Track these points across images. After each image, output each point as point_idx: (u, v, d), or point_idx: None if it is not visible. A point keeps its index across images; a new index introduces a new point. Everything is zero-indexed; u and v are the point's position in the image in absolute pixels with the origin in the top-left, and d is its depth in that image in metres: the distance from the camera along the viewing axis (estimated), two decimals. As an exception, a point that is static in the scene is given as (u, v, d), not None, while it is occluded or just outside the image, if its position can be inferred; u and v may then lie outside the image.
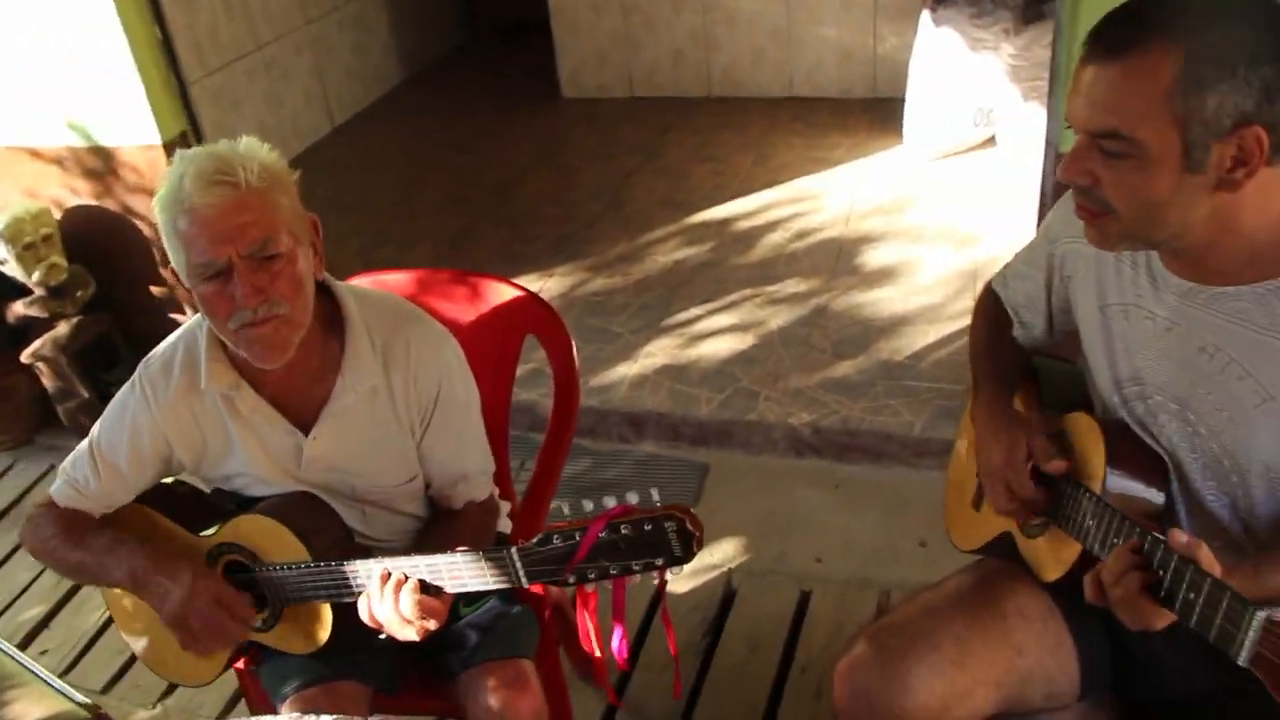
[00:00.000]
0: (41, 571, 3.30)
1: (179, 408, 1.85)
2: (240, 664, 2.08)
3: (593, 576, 1.55)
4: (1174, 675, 1.70)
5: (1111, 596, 1.43)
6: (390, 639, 1.91)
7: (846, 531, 3.17)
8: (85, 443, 1.92)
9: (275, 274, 1.66)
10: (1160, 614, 1.39)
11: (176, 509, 1.96)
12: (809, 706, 2.62)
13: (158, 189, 3.62)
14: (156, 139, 3.58)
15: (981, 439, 1.81)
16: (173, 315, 3.95)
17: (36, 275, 3.68)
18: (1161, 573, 1.37)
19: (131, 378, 1.90)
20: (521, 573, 1.60)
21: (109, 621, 3.11)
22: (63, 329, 3.81)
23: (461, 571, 1.66)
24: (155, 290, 3.92)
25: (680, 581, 2.94)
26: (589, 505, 1.59)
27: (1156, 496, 1.62)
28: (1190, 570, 1.33)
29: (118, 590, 1.95)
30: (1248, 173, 1.35)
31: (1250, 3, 1.34)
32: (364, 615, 1.72)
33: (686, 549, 1.51)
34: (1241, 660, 1.24)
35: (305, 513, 1.85)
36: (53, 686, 2.12)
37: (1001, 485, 1.73)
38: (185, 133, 3.66)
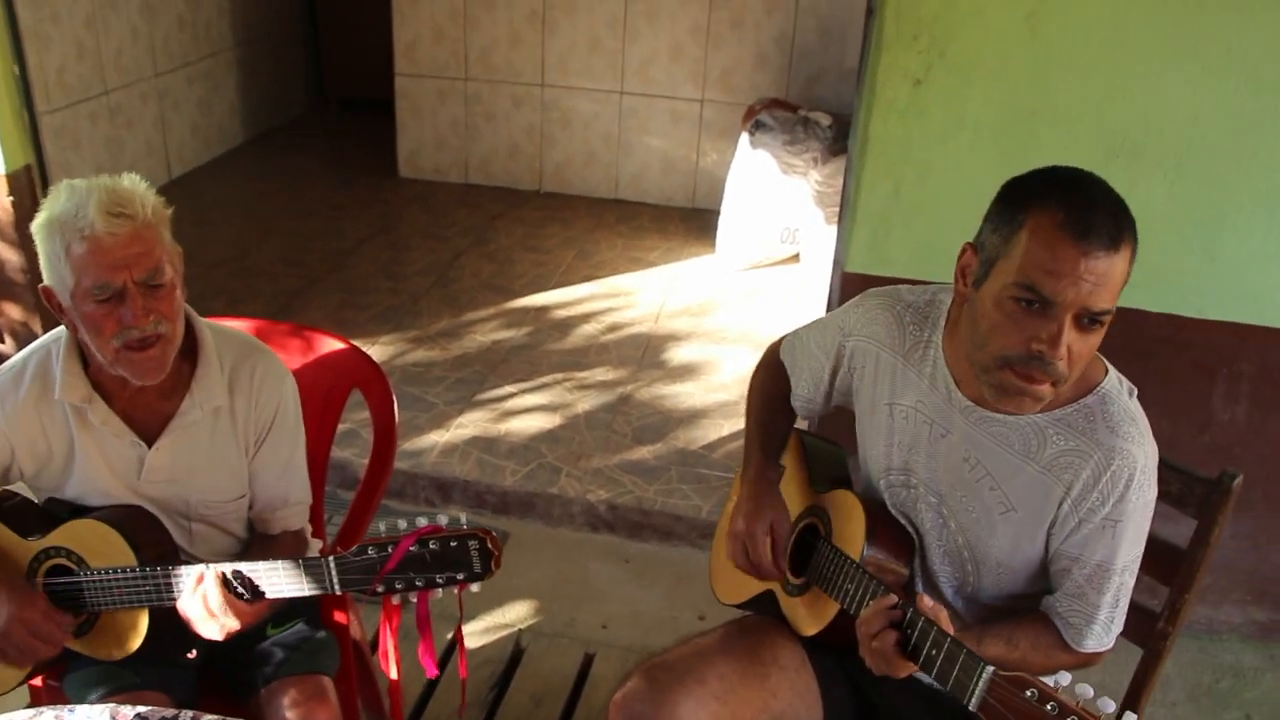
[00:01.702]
0: None
1: (27, 416, 1.96)
2: (39, 681, 2.14)
3: (399, 587, 1.73)
4: (904, 722, 1.97)
5: (868, 649, 1.69)
6: (197, 657, 2.05)
7: (633, 602, 3.39)
8: None
9: (160, 298, 1.85)
10: (905, 665, 1.66)
11: (6, 513, 2.04)
12: (585, 761, 2.81)
13: None
14: (0, 169, 3.62)
15: (740, 503, 2.07)
16: (-16, 345, 3.95)
17: None
18: (910, 631, 1.64)
19: None
20: (335, 580, 1.77)
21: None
22: None
23: (279, 577, 1.82)
24: (-28, 318, 3.91)
25: (473, 637, 3.10)
26: (403, 524, 1.77)
27: (903, 569, 1.91)
28: (934, 630, 1.61)
29: None
30: None
31: None
32: (181, 611, 1.85)
33: (486, 566, 1.71)
34: (972, 706, 1.51)
35: (137, 523, 1.97)
36: None
37: (740, 547, 2.02)
38: (30, 165, 3.72)
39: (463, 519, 1.76)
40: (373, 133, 7.31)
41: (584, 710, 2.96)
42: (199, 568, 1.84)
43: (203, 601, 1.82)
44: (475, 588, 1.74)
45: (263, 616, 1.93)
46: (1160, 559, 1.96)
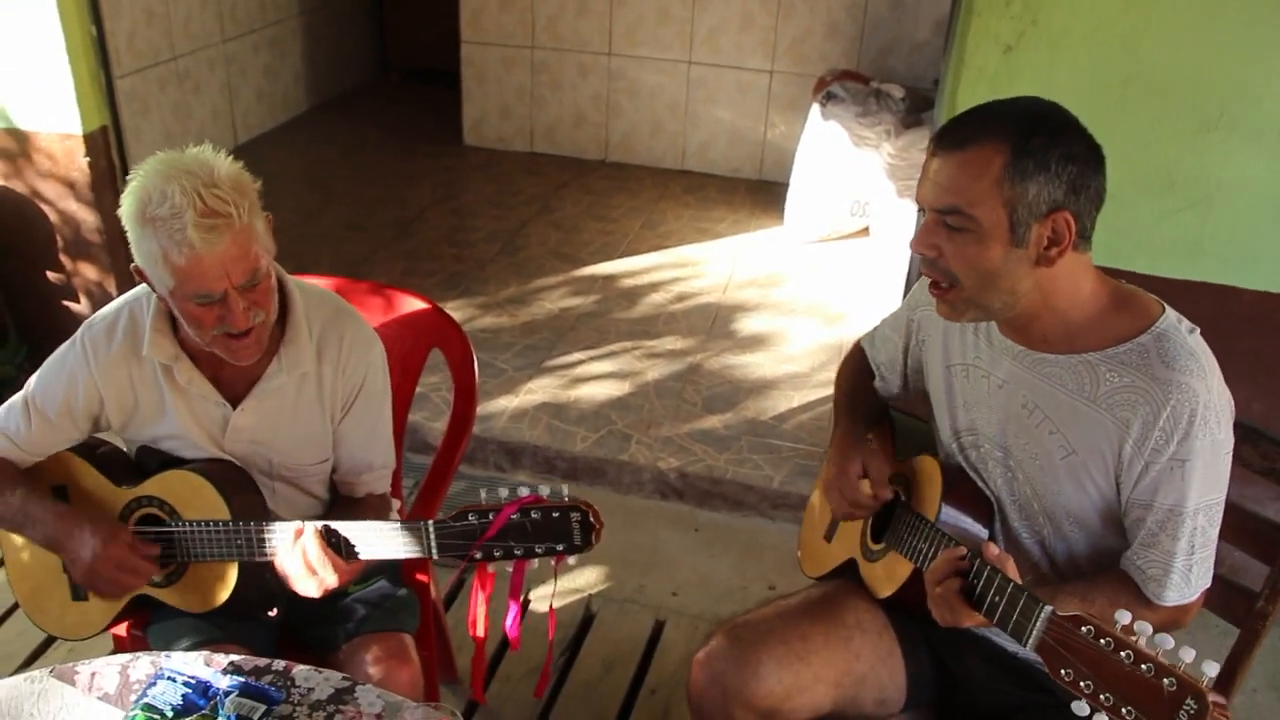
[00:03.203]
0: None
1: (117, 370, 1.97)
2: (123, 630, 2.16)
3: (497, 555, 1.72)
4: (985, 692, 1.95)
5: (932, 594, 1.68)
6: (279, 614, 2.06)
7: (703, 571, 3.38)
8: (19, 395, 2.02)
9: (260, 292, 1.84)
10: (970, 614, 1.64)
11: (101, 461, 2.07)
12: (656, 726, 2.79)
13: (72, 177, 3.69)
14: (78, 129, 3.66)
15: (830, 461, 2.06)
16: (66, 303, 4.00)
17: (-66, 248, 3.71)
18: (975, 581, 1.63)
19: (73, 336, 2.01)
20: (434, 545, 1.76)
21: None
22: (-48, 305, 3.83)
23: (376, 538, 1.82)
24: (52, 276, 3.95)
25: (543, 602, 3.10)
26: (504, 492, 1.75)
27: (982, 531, 1.88)
28: (999, 577, 1.59)
29: (18, 539, 2.05)
30: (1060, 251, 1.65)
31: (1064, 117, 1.66)
32: (278, 569, 1.86)
33: (586, 539, 1.70)
34: (1030, 647, 1.49)
35: (231, 478, 1.98)
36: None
37: (835, 493, 2.00)
38: (106, 127, 3.75)
39: (564, 490, 1.73)
40: (435, 102, 7.31)
41: (654, 676, 2.96)
42: (296, 523, 1.85)
43: (302, 556, 1.82)
44: (573, 560, 1.73)
45: (355, 576, 1.92)
46: (1262, 536, 1.92)
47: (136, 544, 1.94)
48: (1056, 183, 1.61)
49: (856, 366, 2.25)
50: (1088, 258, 1.71)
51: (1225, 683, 1.98)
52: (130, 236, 1.80)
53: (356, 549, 1.84)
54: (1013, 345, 1.80)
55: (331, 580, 1.83)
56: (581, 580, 3.28)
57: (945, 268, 1.69)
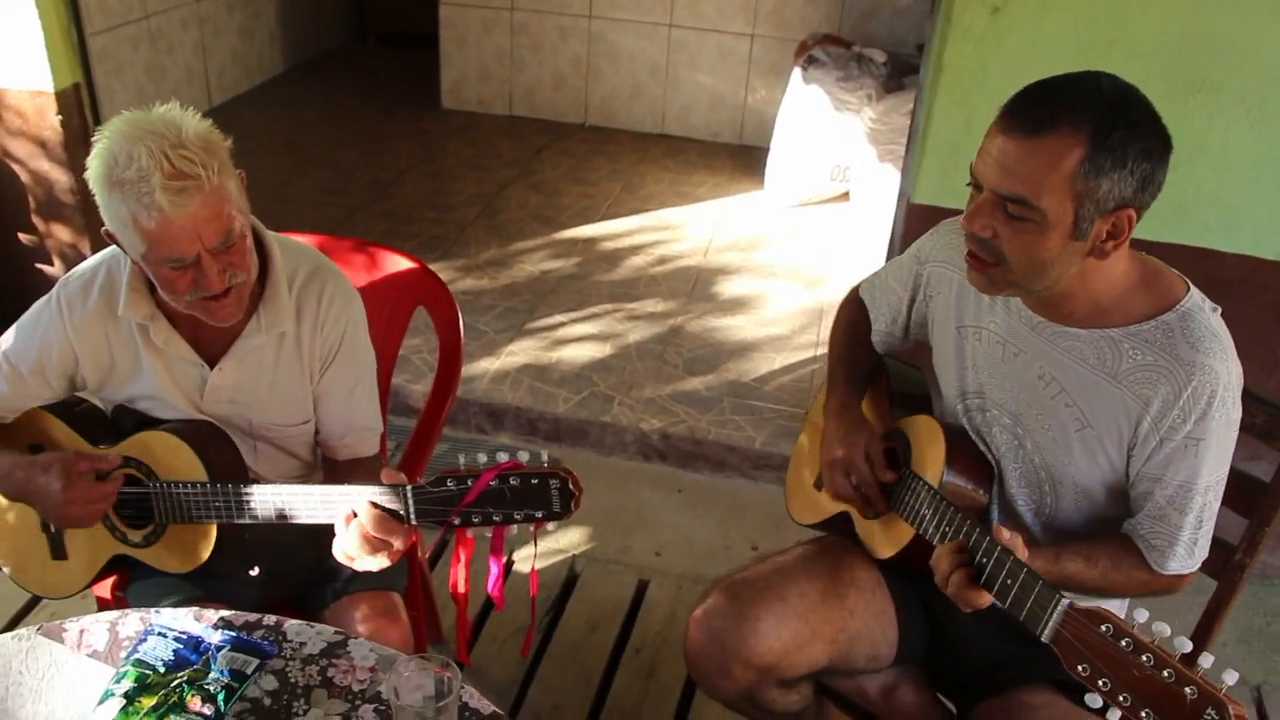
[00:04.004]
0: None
1: (93, 328, 1.94)
2: (107, 591, 2.16)
3: (476, 521, 1.67)
4: (975, 648, 1.96)
5: (945, 592, 1.68)
6: (262, 575, 2.04)
7: (686, 531, 3.39)
8: None
9: (234, 253, 1.79)
10: (982, 596, 1.63)
11: (78, 420, 2.04)
12: (640, 685, 2.81)
13: (44, 136, 3.63)
14: (49, 86, 3.60)
15: (828, 436, 2.05)
16: (40, 265, 3.95)
17: (-95, 210, 3.66)
18: (985, 560, 1.62)
19: (49, 293, 1.98)
20: (412, 510, 1.71)
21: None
22: (-78, 265, 3.78)
23: (355, 502, 1.77)
24: (24, 238, 3.91)
25: (525, 563, 3.10)
26: (483, 457, 1.72)
27: (982, 496, 1.88)
28: (1010, 560, 1.59)
29: (2, 501, 2.03)
30: (1116, 245, 1.62)
31: (1144, 107, 1.58)
32: (339, 555, 1.78)
33: (565, 506, 1.66)
34: (1045, 637, 1.49)
35: (208, 438, 1.95)
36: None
37: (842, 475, 1.97)
38: (78, 85, 3.70)
39: (544, 456, 1.69)
40: (413, 66, 7.26)
41: (639, 635, 2.97)
42: (269, 490, 1.82)
43: (360, 533, 1.74)
44: (552, 527, 1.69)
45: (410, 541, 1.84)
46: (1243, 491, 1.93)
47: (95, 468, 1.90)
48: (1129, 180, 1.56)
49: (852, 322, 2.21)
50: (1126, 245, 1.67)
51: (1202, 635, 2.00)
52: (99, 200, 1.75)
53: (336, 518, 1.78)
54: (1032, 316, 1.78)
55: (398, 544, 1.75)
56: (565, 541, 3.29)
57: (996, 248, 1.64)
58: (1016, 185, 1.58)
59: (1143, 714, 1.35)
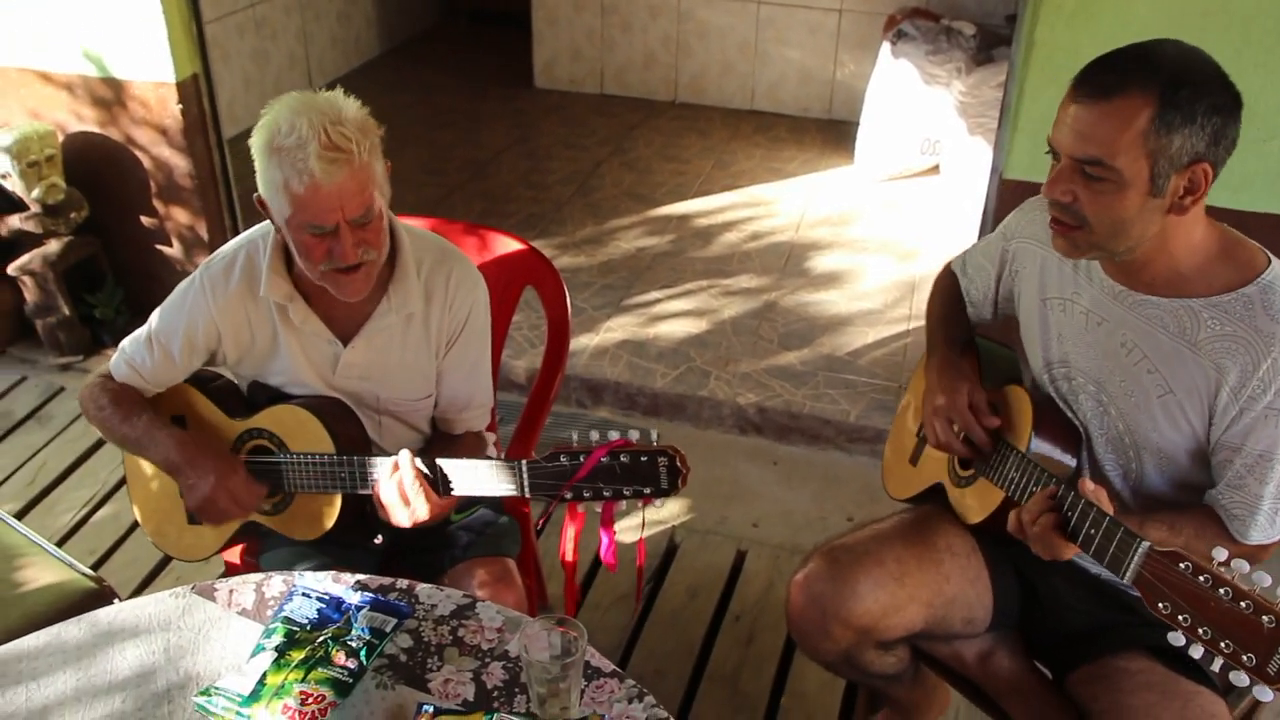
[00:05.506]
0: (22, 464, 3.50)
1: (235, 308, 2.08)
2: (236, 557, 2.30)
3: (587, 495, 1.77)
4: (1069, 612, 2.01)
5: (1029, 532, 1.75)
6: (385, 543, 2.16)
7: (782, 503, 3.47)
8: (144, 329, 2.13)
9: (370, 230, 1.92)
10: (1067, 547, 1.70)
11: (216, 393, 2.19)
12: (740, 651, 2.90)
13: (164, 124, 3.80)
14: (171, 77, 3.77)
15: (930, 387, 2.11)
16: (159, 247, 4.13)
17: (36, 192, 3.84)
18: (1070, 514, 1.69)
19: (191, 276, 2.12)
20: (526, 484, 1.82)
21: (101, 503, 3.39)
22: (53, 246, 3.97)
23: (473, 475, 1.89)
24: (145, 221, 4.09)
25: (628, 533, 3.20)
26: (595, 435, 1.81)
27: (1070, 461, 1.94)
28: (1094, 511, 1.65)
29: (144, 464, 2.18)
30: (1194, 200, 1.67)
31: (1209, 66, 1.64)
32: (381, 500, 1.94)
33: (673, 483, 1.75)
34: (1127, 579, 1.56)
35: (336, 414, 2.08)
36: (57, 558, 2.34)
37: (944, 421, 2.03)
38: (197, 75, 3.86)
39: (653, 434, 1.78)
40: (503, 45, 7.37)
41: (738, 603, 3.06)
42: (395, 457, 1.93)
43: (398, 486, 1.89)
44: (659, 503, 1.78)
45: (447, 512, 1.99)
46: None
47: (249, 478, 2.04)
48: (1200, 134, 1.61)
49: (947, 291, 2.28)
50: (1204, 203, 1.72)
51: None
52: (257, 167, 1.90)
53: (453, 485, 1.91)
54: (1114, 284, 1.84)
55: (423, 512, 1.89)
56: (665, 513, 3.39)
57: (1078, 211, 1.71)
58: (1091, 148, 1.65)
59: (1222, 644, 1.41)
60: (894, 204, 5.36)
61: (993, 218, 3.27)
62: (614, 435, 1.76)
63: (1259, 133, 2.87)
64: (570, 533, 1.95)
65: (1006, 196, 3.15)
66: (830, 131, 6.19)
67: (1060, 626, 2.04)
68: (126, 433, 2.09)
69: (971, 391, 2.02)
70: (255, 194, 1.95)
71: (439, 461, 1.92)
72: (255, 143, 1.89)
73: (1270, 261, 1.75)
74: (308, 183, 1.83)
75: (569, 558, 1.99)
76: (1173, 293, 1.77)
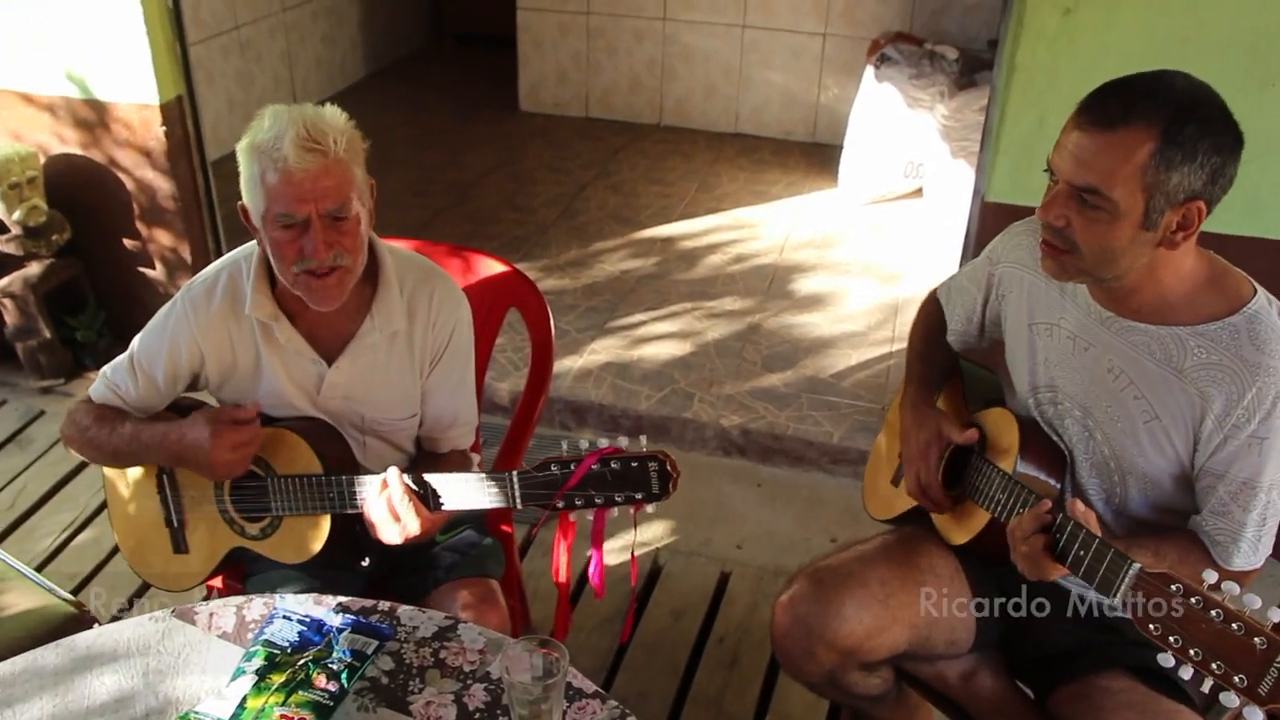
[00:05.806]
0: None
1: (217, 328, 2.07)
2: (219, 584, 2.28)
3: (579, 504, 1.79)
4: (1051, 633, 2.02)
5: (1019, 551, 1.75)
6: (372, 563, 2.16)
7: (766, 524, 3.47)
8: (125, 355, 2.13)
9: (344, 232, 1.92)
10: (1054, 567, 1.71)
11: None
12: (724, 673, 2.89)
13: (148, 146, 3.79)
14: (154, 99, 3.76)
15: (905, 430, 2.13)
16: (142, 269, 4.12)
17: (17, 215, 3.81)
18: (1059, 535, 1.70)
19: (172, 299, 2.11)
20: (518, 494, 1.83)
21: (81, 527, 3.37)
22: (34, 269, 3.94)
23: (463, 489, 1.89)
24: (128, 243, 4.07)
25: (613, 554, 3.20)
26: (584, 444, 1.83)
27: (1054, 483, 1.95)
28: (1084, 532, 1.66)
29: (124, 491, 2.16)
30: (1186, 235, 1.69)
31: (1216, 104, 1.64)
32: (369, 517, 1.93)
33: (664, 488, 1.77)
34: (1117, 600, 1.56)
35: (322, 435, 2.08)
36: (37, 583, 2.32)
37: (913, 472, 2.06)
38: (181, 97, 3.86)
39: (642, 441, 1.79)
40: (490, 68, 7.38)
41: (722, 625, 3.06)
42: (383, 474, 1.92)
43: (387, 503, 1.89)
44: (651, 508, 1.79)
45: (438, 527, 1.99)
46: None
47: (235, 418, 2.00)
48: (1199, 173, 1.62)
49: (929, 319, 2.30)
50: (1193, 241, 1.73)
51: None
52: (241, 173, 1.91)
53: (443, 500, 1.91)
54: (1101, 310, 1.85)
55: (414, 528, 1.88)
56: (649, 534, 3.39)
57: (1070, 236, 1.71)
58: (1090, 176, 1.65)
59: (1213, 665, 1.41)
60: (878, 227, 5.38)
61: (975, 240, 3.28)
62: (604, 443, 1.78)
63: (1236, 157, 2.89)
64: (562, 547, 1.96)
65: (989, 219, 3.16)
66: (814, 154, 6.22)
67: (1042, 646, 2.04)
68: (117, 444, 2.07)
69: (945, 429, 2.04)
70: (239, 202, 1.96)
71: (427, 476, 1.92)
72: (239, 150, 1.91)
73: (1256, 291, 1.77)
74: (281, 168, 1.84)
75: (562, 578, 1.99)
76: (1159, 320, 1.78)
